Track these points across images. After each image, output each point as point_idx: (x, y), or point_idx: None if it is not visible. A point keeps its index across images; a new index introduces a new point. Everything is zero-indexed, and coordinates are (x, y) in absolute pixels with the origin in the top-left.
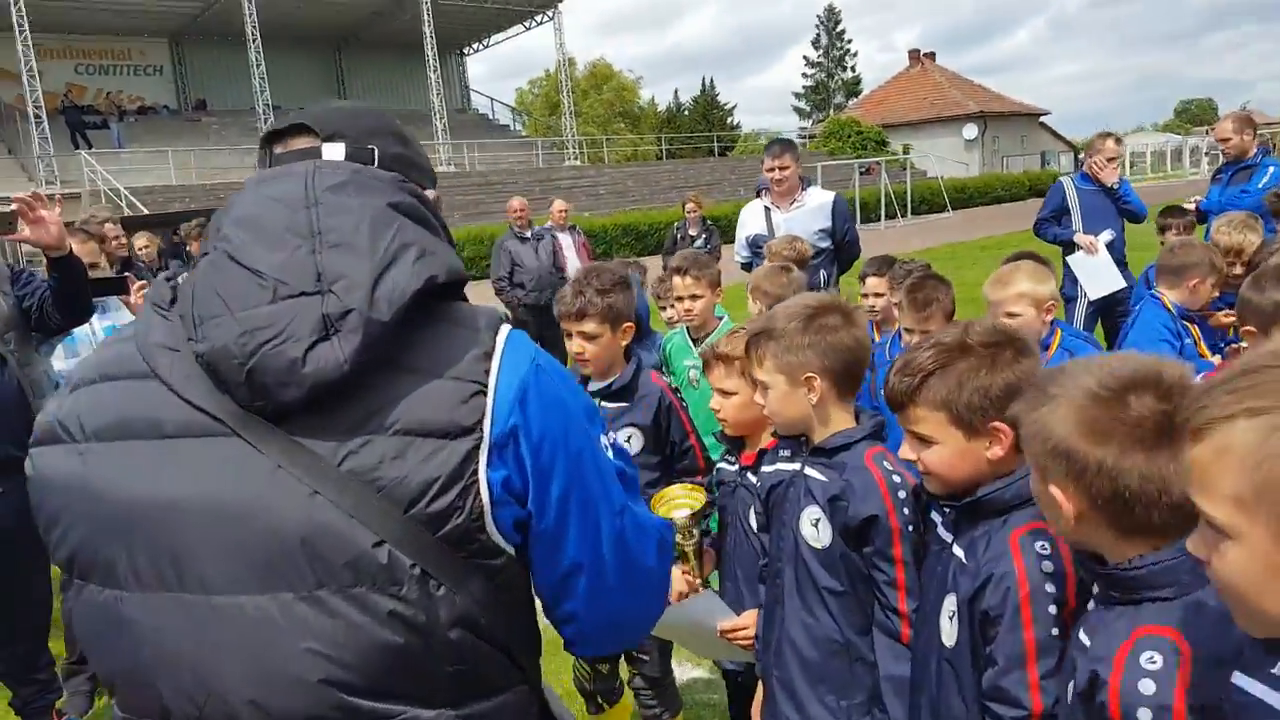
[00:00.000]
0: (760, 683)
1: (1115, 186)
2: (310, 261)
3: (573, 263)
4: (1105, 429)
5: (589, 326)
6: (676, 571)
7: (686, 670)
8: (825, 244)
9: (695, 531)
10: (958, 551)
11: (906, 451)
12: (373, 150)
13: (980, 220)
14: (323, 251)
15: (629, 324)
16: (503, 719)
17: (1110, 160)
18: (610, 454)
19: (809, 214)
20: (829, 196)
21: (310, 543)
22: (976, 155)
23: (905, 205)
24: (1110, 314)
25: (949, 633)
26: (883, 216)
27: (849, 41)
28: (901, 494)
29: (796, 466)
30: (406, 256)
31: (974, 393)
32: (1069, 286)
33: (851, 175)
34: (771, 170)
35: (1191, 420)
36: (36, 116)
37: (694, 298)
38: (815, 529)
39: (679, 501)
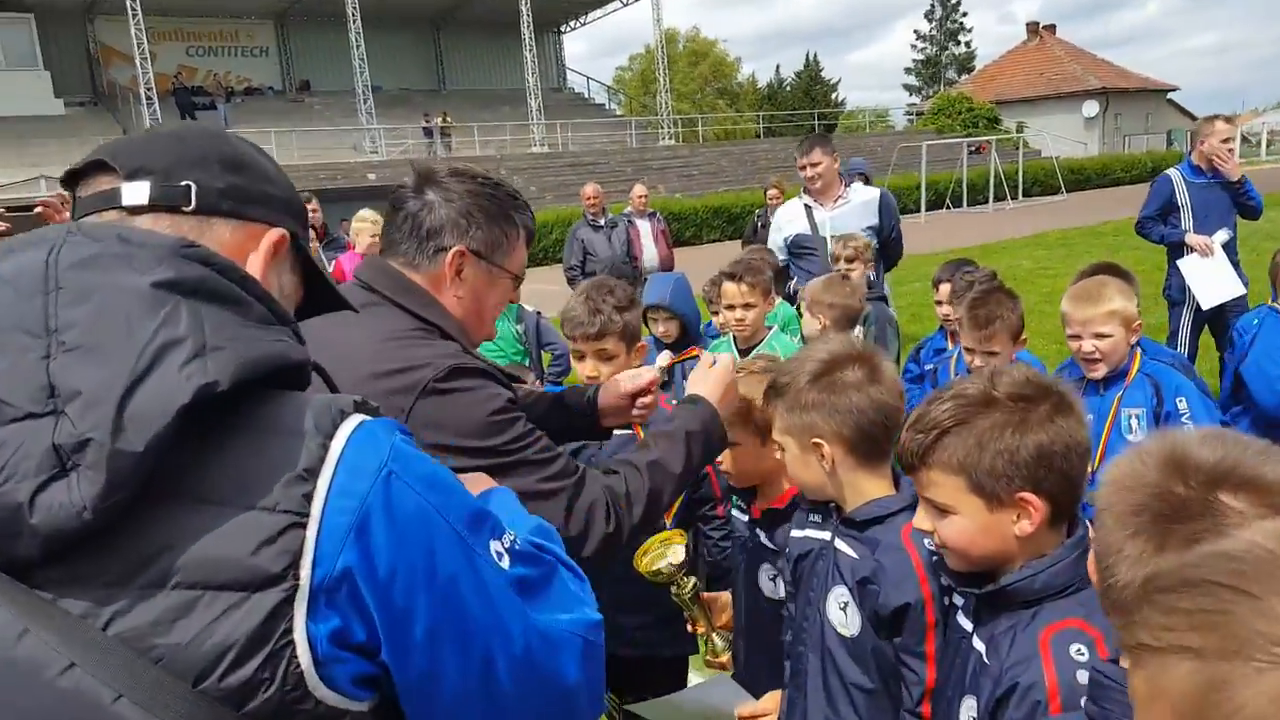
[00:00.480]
0: None
1: (1240, 181)
2: (40, 370)
3: (649, 251)
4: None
5: (608, 345)
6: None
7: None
8: (873, 242)
9: (685, 580)
10: (978, 645)
11: (922, 521)
12: (188, 187)
13: (1098, 204)
14: (57, 356)
15: (642, 343)
16: None
17: (1226, 144)
18: (506, 562)
19: (855, 211)
20: (875, 192)
21: None
22: (1096, 134)
23: (1016, 187)
24: (1220, 316)
25: None
26: (991, 199)
27: (964, 14)
28: (945, 580)
29: (827, 536)
30: (172, 359)
31: (997, 456)
32: (1174, 291)
33: (959, 154)
34: (803, 168)
35: (1122, 633)
36: (148, 98)
37: (747, 306)
38: (844, 614)
39: (654, 554)
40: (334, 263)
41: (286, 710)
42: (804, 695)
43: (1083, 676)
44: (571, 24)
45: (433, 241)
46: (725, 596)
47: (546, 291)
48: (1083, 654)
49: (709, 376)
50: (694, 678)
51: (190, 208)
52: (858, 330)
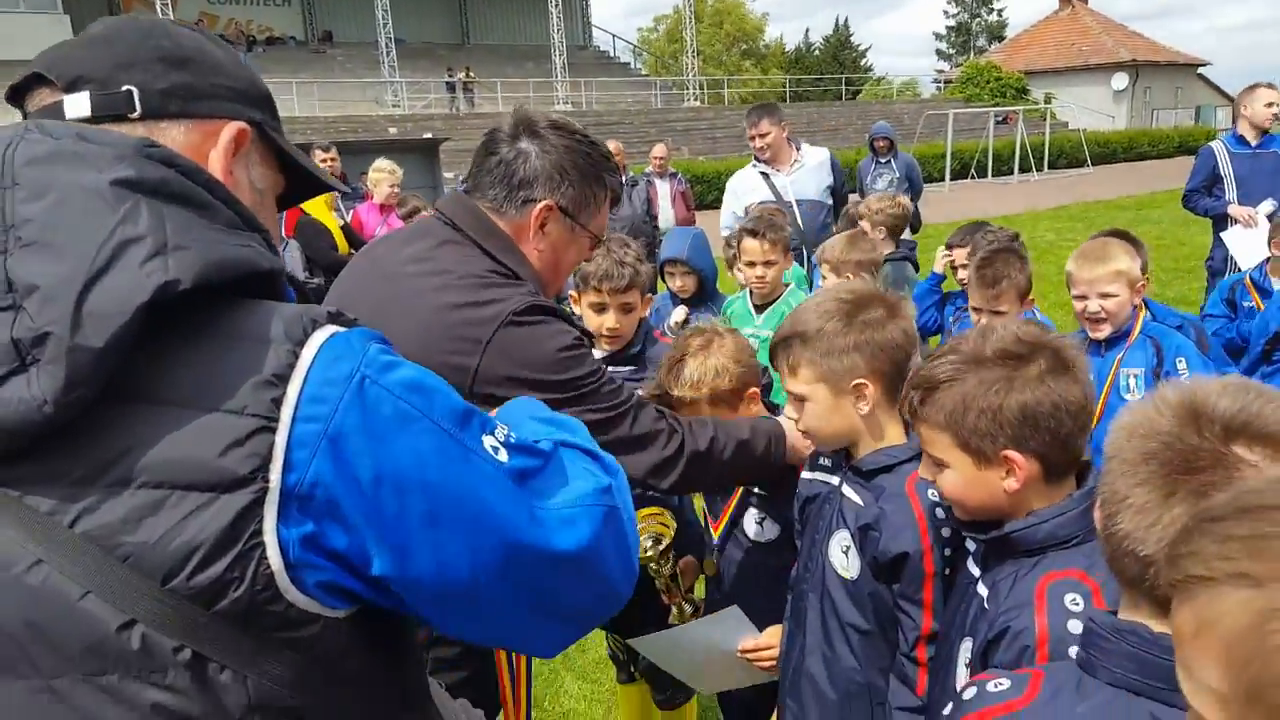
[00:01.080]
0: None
1: None
2: None
3: (666, 212)
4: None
5: (632, 298)
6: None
7: None
8: (828, 201)
9: (666, 560)
10: (982, 590)
11: (925, 471)
12: (129, 93)
13: (1122, 178)
14: (13, 252)
15: (651, 295)
16: None
17: (1270, 108)
18: (504, 455)
19: (812, 172)
20: (825, 152)
21: (37, 625)
22: (1125, 107)
23: (1042, 158)
24: None
25: (963, 681)
26: (1016, 169)
27: None
28: (946, 531)
29: (835, 481)
30: (131, 255)
31: (981, 414)
32: (1217, 263)
33: (986, 124)
34: (753, 139)
35: (1168, 570)
36: None
37: (767, 264)
38: (845, 557)
39: (641, 527)
40: (352, 212)
41: (257, 611)
42: (804, 632)
43: (1075, 626)
44: None
45: (523, 192)
46: (690, 560)
47: None
48: (1078, 604)
49: (791, 425)
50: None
51: (136, 114)
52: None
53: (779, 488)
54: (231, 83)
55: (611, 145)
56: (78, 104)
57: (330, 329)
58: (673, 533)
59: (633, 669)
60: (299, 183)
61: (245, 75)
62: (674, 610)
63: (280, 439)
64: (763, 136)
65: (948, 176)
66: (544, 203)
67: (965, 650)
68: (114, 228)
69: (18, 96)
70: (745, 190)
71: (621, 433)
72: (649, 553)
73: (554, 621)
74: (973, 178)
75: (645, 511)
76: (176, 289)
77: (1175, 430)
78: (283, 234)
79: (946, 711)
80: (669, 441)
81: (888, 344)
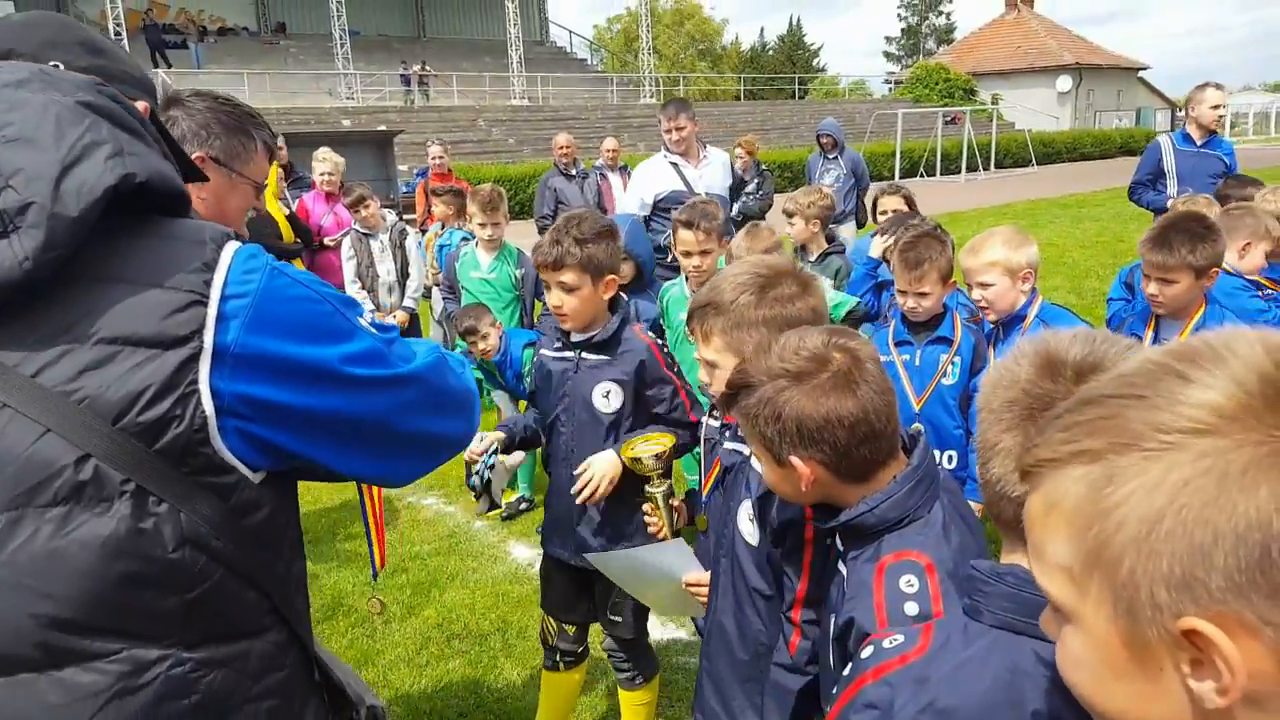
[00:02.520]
0: None
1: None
2: None
3: (618, 204)
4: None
5: (567, 277)
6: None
7: (665, 631)
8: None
9: (661, 478)
10: (842, 569)
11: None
12: (56, 66)
13: (1066, 177)
14: (0, 147)
15: (612, 276)
16: (248, 667)
17: (1216, 110)
18: (373, 330)
19: (716, 170)
20: (726, 155)
21: None
22: (1069, 109)
23: (989, 158)
24: None
25: (827, 657)
26: (964, 169)
27: None
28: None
29: (746, 451)
30: (97, 153)
31: (766, 422)
32: None
33: (935, 124)
34: (669, 131)
35: (1021, 461)
36: (117, 33)
37: (703, 253)
38: (751, 525)
39: (641, 445)
40: (298, 201)
41: (190, 451)
42: (717, 595)
43: (911, 608)
44: None
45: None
46: (684, 503)
47: (532, 244)
48: (913, 585)
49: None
50: None
51: None
52: (828, 283)
53: None
54: (135, 73)
55: (561, 137)
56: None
57: (238, 243)
58: (669, 448)
59: (558, 659)
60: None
61: (141, 69)
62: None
63: (211, 310)
64: (679, 130)
65: (898, 174)
66: (195, 155)
67: (831, 627)
68: (82, 133)
69: None
70: (656, 178)
71: None
72: (649, 464)
73: (413, 450)
74: (922, 176)
75: (649, 435)
76: (135, 180)
77: (1033, 378)
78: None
79: (846, 672)
80: None
81: (794, 320)
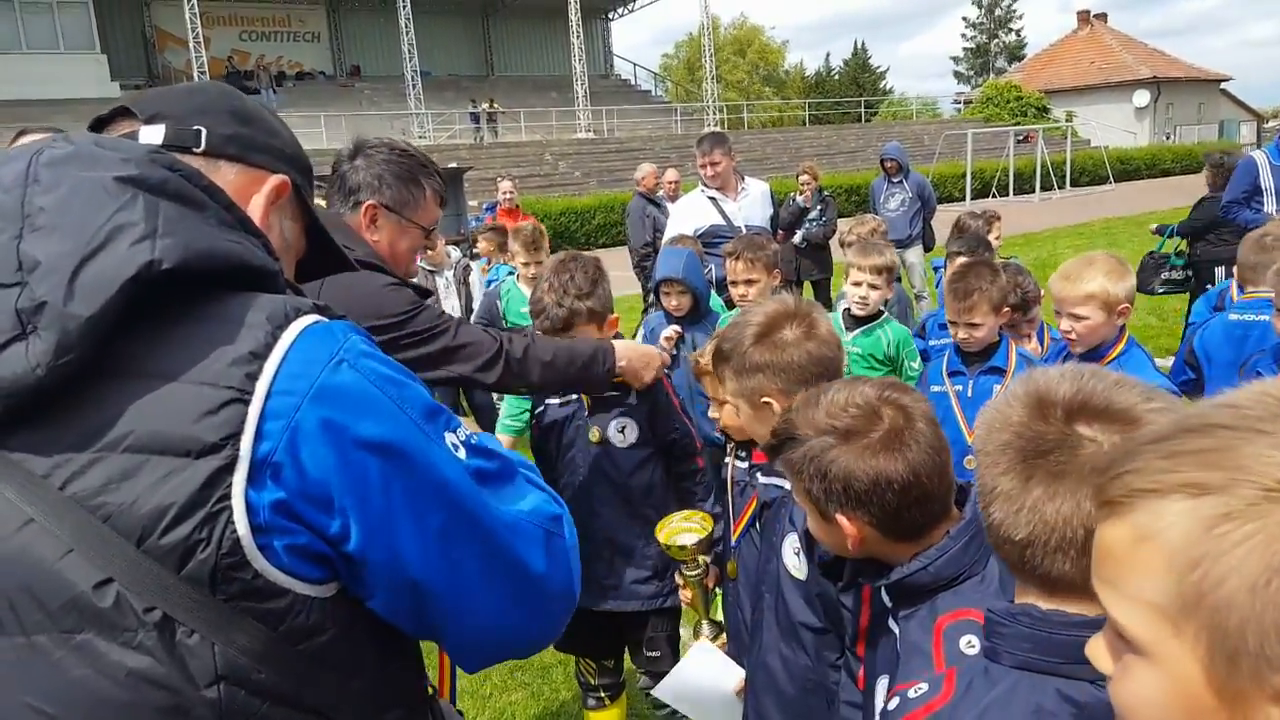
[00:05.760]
0: None
1: None
2: (12, 249)
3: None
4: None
5: (585, 333)
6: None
7: None
8: (769, 229)
9: (701, 560)
10: (894, 627)
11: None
12: (199, 131)
13: (1144, 194)
14: (27, 236)
15: (614, 316)
16: None
17: None
18: (463, 453)
19: (756, 202)
20: (766, 185)
21: (24, 582)
22: (1147, 124)
23: (1064, 177)
24: None
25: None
26: (1038, 188)
27: (1014, 1)
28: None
29: (787, 486)
30: (122, 239)
31: (812, 479)
32: None
33: (1006, 143)
34: (704, 166)
35: (1105, 489)
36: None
37: (749, 282)
38: (797, 559)
39: (681, 527)
40: None
41: (224, 577)
42: (762, 629)
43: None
44: (619, 10)
45: (353, 196)
46: (715, 571)
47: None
48: (973, 646)
49: (638, 345)
50: (683, 632)
51: (200, 149)
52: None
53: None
54: (284, 146)
55: (670, 173)
56: (152, 134)
57: (314, 317)
58: (708, 534)
59: (603, 694)
60: (317, 254)
61: (293, 142)
62: (690, 623)
63: (253, 410)
64: (714, 165)
65: (969, 195)
66: (368, 203)
67: (883, 686)
68: (112, 214)
69: (100, 126)
70: (695, 213)
71: (446, 341)
72: (687, 549)
73: (496, 621)
74: (994, 196)
75: (688, 513)
76: (159, 268)
77: (1025, 419)
78: None
79: None
80: (489, 346)
81: (791, 366)
